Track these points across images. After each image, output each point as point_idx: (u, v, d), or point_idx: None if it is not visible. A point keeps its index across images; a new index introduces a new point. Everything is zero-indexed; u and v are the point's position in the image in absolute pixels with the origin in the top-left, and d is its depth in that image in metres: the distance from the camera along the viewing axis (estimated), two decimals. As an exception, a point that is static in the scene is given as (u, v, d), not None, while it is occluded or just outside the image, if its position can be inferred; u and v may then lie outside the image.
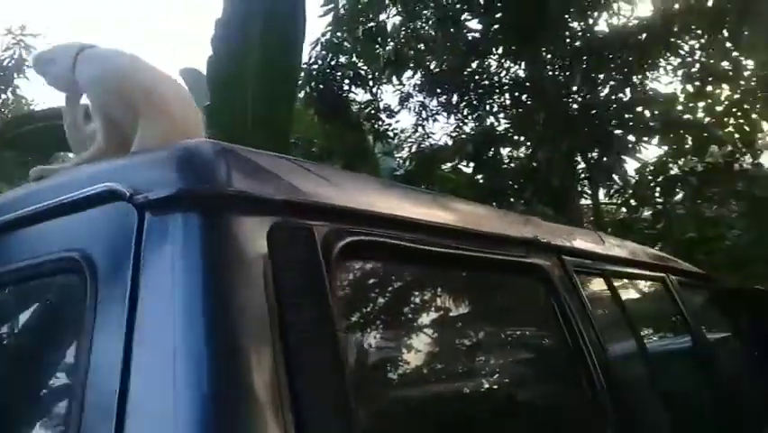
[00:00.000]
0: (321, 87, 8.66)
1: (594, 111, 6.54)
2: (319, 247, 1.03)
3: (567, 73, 8.83)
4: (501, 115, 10.14)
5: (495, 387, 1.48)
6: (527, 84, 8.71)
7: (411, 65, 8.75)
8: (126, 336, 0.91)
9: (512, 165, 9.44)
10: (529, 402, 1.56)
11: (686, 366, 2.37)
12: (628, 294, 2.17)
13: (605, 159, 7.23)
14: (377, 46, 7.86)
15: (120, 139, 1.49)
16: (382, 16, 8.22)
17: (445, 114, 10.30)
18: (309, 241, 1.03)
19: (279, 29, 4.87)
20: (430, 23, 8.45)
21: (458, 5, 7.87)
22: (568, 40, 8.27)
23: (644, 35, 7.96)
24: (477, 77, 9.82)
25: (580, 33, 7.96)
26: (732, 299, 2.96)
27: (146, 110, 1.42)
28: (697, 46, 8.93)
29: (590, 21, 8.01)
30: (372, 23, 7.94)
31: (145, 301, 0.93)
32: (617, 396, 1.58)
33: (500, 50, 9.31)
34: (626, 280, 2.18)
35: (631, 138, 8.27)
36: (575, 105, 8.45)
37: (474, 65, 9.57)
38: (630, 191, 9.30)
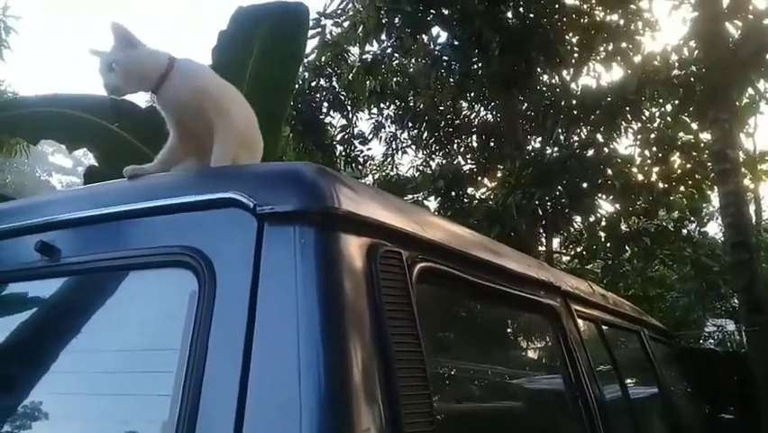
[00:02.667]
0: (300, 106, 8.81)
1: (568, 164, 6.88)
2: (406, 268, 1.19)
3: (533, 124, 9.27)
4: (468, 156, 10.48)
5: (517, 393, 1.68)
6: (501, 129, 9.06)
7: (393, 97, 8.99)
8: (246, 336, 1.03)
9: (474, 204, 9.75)
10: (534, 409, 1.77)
11: (651, 410, 2.60)
12: (612, 339, 2.38)
13: (566, 210, 7.57)
14: (368, 76, 8.06)
15: (191, 145, 1.62)
16: (374, 47, 8.44)
17: (414, 147, 10.59)
18: (400, 262, 1.18)
19: (281, 48, 5.00)
20: (418, 60, 8.72)
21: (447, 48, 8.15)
22: (542, 92, 8.70)
23: (610, 98, 8.44)
24: (449, 116, 10.16)
25: (558, 90, 8.34)
26: (688, 355, 3.23)
27: (222, 126, 1.54)
28: (657, 114, 9.50)
29: (567, 78, 8.42)
30: (366, 54, 8.16)
31: (264, 304, 1.05)
32: (606, 422, 1.78)
33: (472, 94, 9.68)
34: (610, 328, 2.40)
35: (589, 192, 8.71)
36: (539, 156, 8.86)
37: (447, 104, 9.91)
38: (583, 244, 9.74)
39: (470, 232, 1.62)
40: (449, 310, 1.49)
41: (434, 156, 10.57)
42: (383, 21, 6.88)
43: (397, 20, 6.92)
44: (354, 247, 1.13)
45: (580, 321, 1.98)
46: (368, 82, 8.31)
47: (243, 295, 1.07)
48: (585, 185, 7.55)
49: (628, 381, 2.31)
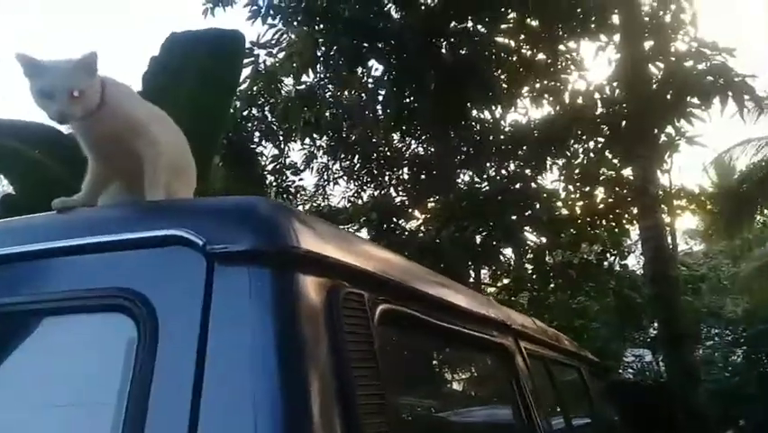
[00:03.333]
0: (230, 135, 8.63)
1: (499, 198, 7.01)
2: (368, 311, 1.11)
3: (463, 158, 9.42)
4: (400, 188, 10.54)
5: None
6: (432, 162, 9.16)
7: (326, 129, 8.96)
8: (194, 390, 0.92)
9: (406, 236, 9.78)
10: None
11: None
12: (557, 375, 2.37)
13: (496, 243, 7.69)
14: (301, 107, 7.99)
15: (115, 174, 1.50)
16: (308, 78, 8.39)
17: (346, 178, 10.57)
18: (362, 306, 1.11)
19: (215, 76, 4.87)
20: (352, 92, 8.74)
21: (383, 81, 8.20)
22: (473, 127, 8.87)
23: (539, 134, 8.71)
24: (381, 148, 10.22)
25: (488, 125, 8.52)
26: (621, 388, 3.28)
27: (151, 154, 1.43)
28: (581, 150, 9.86)
29: (497, 114, 8.62)
30: (297, 85, 8.10)
31: (215, 354, 0.95)
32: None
33: (403, 128, 9.78)
34: (555, 364, 2.39)
35: (517, 226, 8.89)
36: (468, 189, 9.00)
37: (378, 137, 9.97)
38: (511, 276, 9.91)
39: (425, 270, 1.56)
40: (408, 352, 1.42)
41: (365, 187, 10.57)
42: (319, 52, 6.87)
43: (332, 52, 6.91)
44: (315, 290, 1.04)
45: (528, 359, 1.95)
46: (302, 113, 8.25)
47: (190, 344, 0.96)
48: (514, 218, 7.70)
49: (572, 416, 2.30)
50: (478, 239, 7.42)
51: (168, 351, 0.97)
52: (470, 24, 7.41)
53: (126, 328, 1.01)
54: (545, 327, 2.63)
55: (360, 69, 7.83)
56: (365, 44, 6.89)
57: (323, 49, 6.81)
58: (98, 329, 1.09)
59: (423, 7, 6.80)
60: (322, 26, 6.67)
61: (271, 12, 8.05)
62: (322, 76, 8.23)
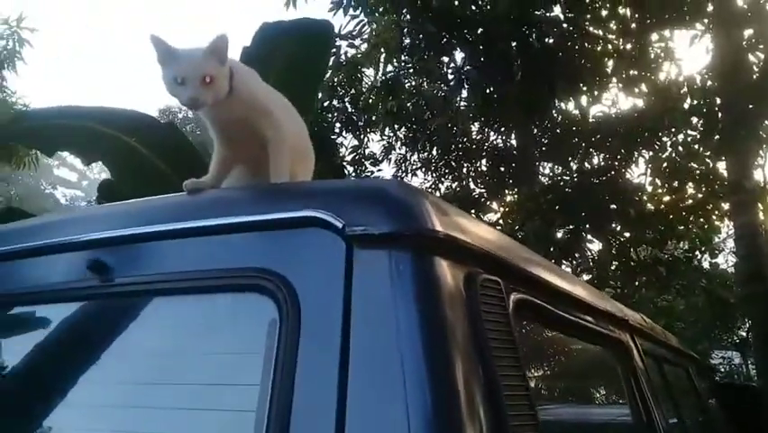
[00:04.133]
0: (312, 125, 8.74)
1: (587, 192, 6.80)
2: (506, 299, 1.08)
3: (544, 150, 9.20)
4: (479, 181, 10.42)
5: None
6: (513, 153, 8.99)
7: (408, 119, 8.94)
8: (340, 372, 0.91)
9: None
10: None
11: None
12: (668, 373, 2.27)
13: (583, 236, 7.48)
14: (387, 96, 7.98)
15: (239, 156, 1.52)
16: (388, 68, 8.38)
17: (424, 170, 10.52)
18: (499, 293, 1.07)
19: (304, 65, 4.93)
20: (434, 82, 8.67)
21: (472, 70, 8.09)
22: (558, 120, 8.65)
23: (629, 126, 8.40)
24: (460, 139, 10.11)
25: (575, 116, 8.30)
26: (731, 390, 3.12)
27: (276, 138, 1.45)
28: (669, 143, 9.45)
29: (584, 104, 8.37)
30: (385, 75, 8.10)
31: (359, 336, 0.94)
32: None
33: (483, 119, 9.64)
34: (667, 363, 2.29)
35: (601, 219, 8.62)
36: (551, 182, 8.79)
37: (458, 127, 9.86)
38: (594, 272, 9.62)
39: (550, 263, 1.51)
40: (539, 342, 1.38)
41: (443, 179, 10.49)
42: (404, 41, 6.83)
43: (418, 41, 6.86)
44: (453, 274, 1.02)
45: (644, 356, 1.87)
46: (385, 103, 8.24)
47: (334, 325, 0.95)
48: (601, 212, 7.47)
49: (685, 415, 2.20)
50: (560, 233, 7.23)
51: (311, 332, 0.97)
52: (557, 12, 7.20)
53: (266, 309, 1.02)
54: (654, 324, 2.52)
55: (445, 59, 7.75)
56: (453, 32, 6.79)
57: (408, 38, 6.77)
58: (238, 309, 1.10)
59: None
60: (408, 15, 6.62)
61: (353, 2, 8.08)
62: (405, 65, 8.19)
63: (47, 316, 1.27)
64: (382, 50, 7.28)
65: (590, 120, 8.88)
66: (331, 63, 8.60)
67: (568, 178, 7.72)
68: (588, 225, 7.91)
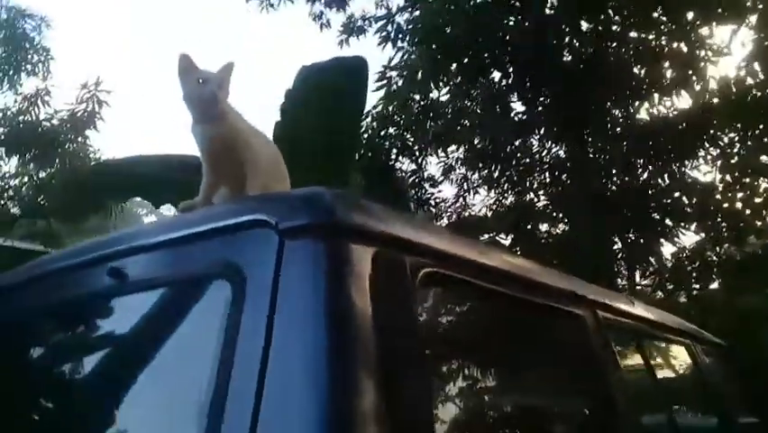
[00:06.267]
0: (369, 155, 9.17)
1: (634, 195, 6.82)
2: (409, 274, 1.37)
3: (606, 156, 9.20)
4: (541, 193, 10.47)
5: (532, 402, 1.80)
6: (568, 164, 9.06)
7: (457, 140, 9.19)
8: (267, 330, 1.23)
9: (549, 240, 9.70)
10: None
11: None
12: (653, 353, 2.42)
13: (641, 241, 7.45)
14: (428, 121, 8.34)
15: (221, 179, 1.88)
16: (433, 94, 8.74)
17: (486, 187, 10.68)
18: (402, 268, 1.36)
19: (343, 100, 5.36)
20: (477, 102, 8.93)
21: (504, 88, 8.34)
22: (609, 125, 8.67)
23: (684, 125, 8.32)
24: (519, 154, 10.24)
25: (620, 120, 8.31)
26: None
27: (252, 160, 1.80)
28: (736, 139, 9.22)
29: (631, 109, 8.37)
30: (424, 101, 8.45)
31: (281, 303, 1.25)
32: None
33: (542, 131, 9.75)
34: (653, 341, 2.44)
35: (668, 223, 8.51)
36: (614, 188, 8.77)
37: (517, 143, 10.01)
38: (666, 275, 9.42)
39: (473, 241, 1.77)
40: (452, 314, 1.65)
41: (506, 195, 10.62)
42: (438, 69, 7.12)
43: (452, 68, 7.16)
44: (358, 254, 1.32)
45: (611, 332, 2.06)
46: (430, 127, 8.57)
47: (265, 300, 1.26)
48: (660, 215, 7.43)
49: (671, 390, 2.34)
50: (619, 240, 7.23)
51: (251, 307, 1.30)
52: (587, 25, 7.31)
53: (226, 292, 1.36)
54: (638, 301, 2.64)
55: (483, 80, 8.01)
56: (484, 57, 7.07)
57: (441, 66, 7.08)
58: (208, 291, 1.45)
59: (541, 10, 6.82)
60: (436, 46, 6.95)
61: (400, 35, 8.52)
62: (445, 90, 8.51)
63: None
64: (420, 77, 7.64)
65: (649, 122, 8.83)
66: (383, 93, 9.06)
67: (612, 182, 7.72)
68: (658, 229, 7.84)
